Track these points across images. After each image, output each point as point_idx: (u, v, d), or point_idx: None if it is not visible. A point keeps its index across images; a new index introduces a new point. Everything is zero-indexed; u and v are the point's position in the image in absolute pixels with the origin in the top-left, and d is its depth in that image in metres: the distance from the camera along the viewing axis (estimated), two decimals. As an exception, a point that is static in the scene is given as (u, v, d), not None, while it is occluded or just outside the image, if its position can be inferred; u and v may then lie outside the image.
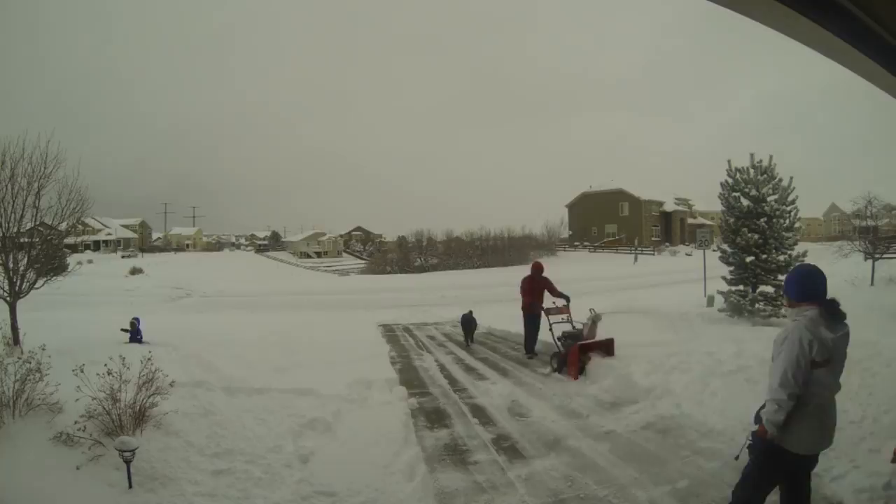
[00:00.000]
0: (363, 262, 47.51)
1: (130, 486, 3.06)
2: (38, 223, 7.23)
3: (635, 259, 36.57)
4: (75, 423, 3.30)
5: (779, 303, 9.12)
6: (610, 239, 47.82)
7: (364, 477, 3.49)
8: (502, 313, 12.32)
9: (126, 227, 59.99)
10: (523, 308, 7.69)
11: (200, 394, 4.54)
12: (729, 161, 9.85)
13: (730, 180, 9.80)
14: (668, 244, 46.75)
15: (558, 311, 7.08)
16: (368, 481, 3.43)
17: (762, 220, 9.25)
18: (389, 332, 11.34)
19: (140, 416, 3.61)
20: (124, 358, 3.76)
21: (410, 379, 6.58)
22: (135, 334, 8.04)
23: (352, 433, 4.35)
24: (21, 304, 6.92)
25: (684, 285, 18.30)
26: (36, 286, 7.06)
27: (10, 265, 6.76)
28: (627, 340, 6.83)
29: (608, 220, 49.68)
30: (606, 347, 6.47)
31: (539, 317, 7.37)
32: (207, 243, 71.31)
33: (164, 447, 3.48)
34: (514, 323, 11.02)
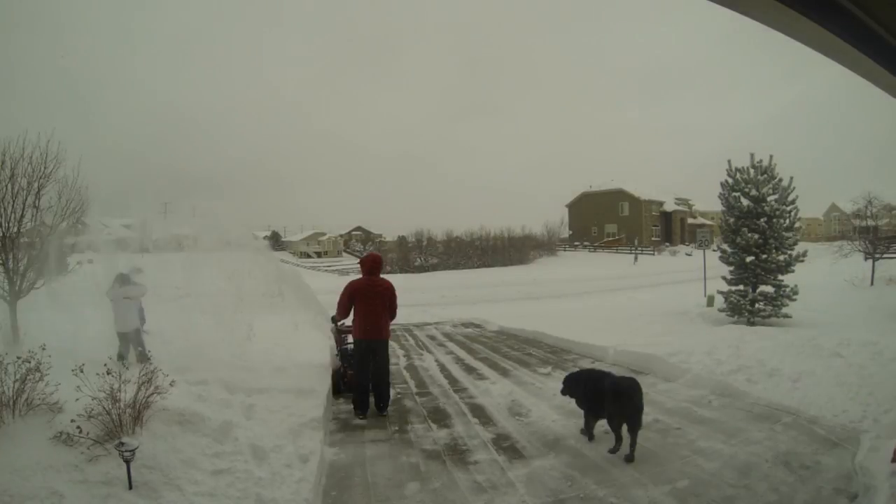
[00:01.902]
0: (363, 261, 47.42)
1: (130, 486, 3.06)
2: (38, 223, 7.22)
3: (635, 259, 36.57)
4: (72, 421, 3.29)
5: (779, 303, 9.12)
6: (610, 239, 47.82)
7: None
8: (506, 313, 12.38)
9: (126, 227, 59.99)
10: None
11: (200, 393, 4.54)
12: (729, 161, 9.86)
13: (730, 180, 9.80)
14: (668, 244, 46.75)
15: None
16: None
17: (762, 220, 9.25)
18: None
19: (140, 416, 3.61)
20: (124, 357, 3.76)
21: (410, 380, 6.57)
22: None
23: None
24: (21, 304, 6.91)
25: (684, 285, 18.31)
26: (36, 286, 7.04)
27: (10, 265, 6.75)
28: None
29: (608, 220, 49.69)
30: None
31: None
32: (207, 243, 71.15)
33: (164, 447, 3.48)
34: (517, 321, 11.03)
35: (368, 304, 5.13)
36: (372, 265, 5.36)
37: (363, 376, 5.06)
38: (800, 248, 9.77)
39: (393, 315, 5.29)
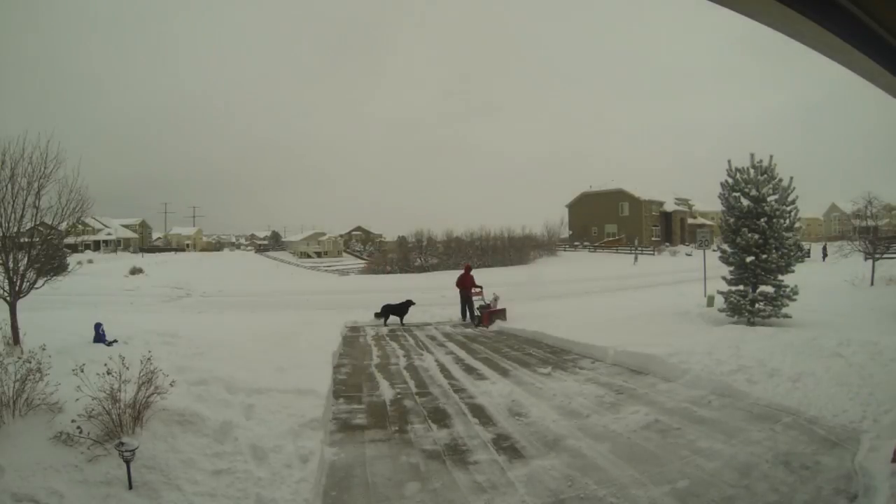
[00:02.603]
0: (363, 262, 47.44)
1: (130, 486, 3.06)
2: (38, 223, 7.21)
3: (635, 259, 36.55)
4: (72, 421, 3.29)
5: (779, 303, 9.11)
6: (610, 239, 47.83)
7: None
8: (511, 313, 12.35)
9: (126, 226, 60.02)
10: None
11: (200, 393, 4.54)
12: (729, 161, 9.83)
13: (730, 180, 9.78)
14: (668, 244, 46.74)
15: (477, 293, 12.59)
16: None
17: (762, 220, 9.23)
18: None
19: (140, 416, 3.61)
20: (124, 358, 3.76)
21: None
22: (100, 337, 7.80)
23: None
24: (21, 304, 6.91)
25: (684, 285, 18.29)
26: (36, 286, 7.04)
27: (10, 265, 6.74)
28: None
29: (608, 220, 49.70)
30: (503, 313, 12.03)
31: (470, 298, 12.51)
32: (207, 243, 71.35)
33: (164, 447, 3.48)
34: (519, 321, 11.03)
35: (464, 285, 12.64)
36: (466, 269, 13.12)
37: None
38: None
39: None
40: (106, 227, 55.42)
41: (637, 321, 9.70)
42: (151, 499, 3.02)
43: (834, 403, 4.45)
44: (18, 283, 6.80)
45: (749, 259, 9.34)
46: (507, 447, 4.07)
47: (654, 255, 40.49)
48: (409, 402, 5.51)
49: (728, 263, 9.82)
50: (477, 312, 12.02)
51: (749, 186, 9.42)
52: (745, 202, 9.46)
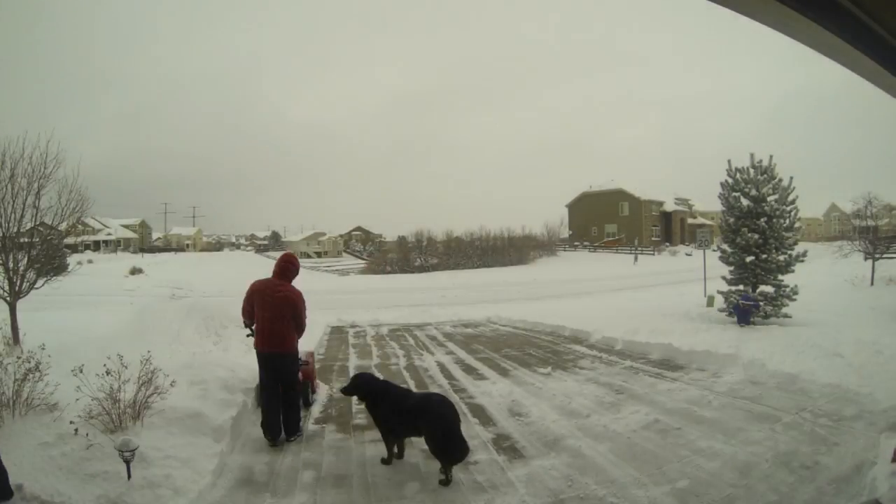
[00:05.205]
0: (363, 262, 47.43)
1: (130, 486, 3.06)
2: (38, 223, 7.20)
3: (635, 259, 36.58)
4: (71, 423, 3.29)
5: (779, 303, 9.12)
6: (610, 239, 47.84)
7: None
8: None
9: (126, 226, 60.06)
10: None
11: (201, 393, 4.54)
12: (729, 161, 9.84)
13: (730, 180, 9.79)
14: (668, 244, 46.74)
15: None
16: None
17: (762, 220, 9.24)
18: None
19: (140, 416, 3.61)
20: (122, 357, 3.77)
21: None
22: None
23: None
24: (21, 304, 6.91)
25: (684, 285, 18.30)
26: (36, 286, 7.04)
27: (10, 265, 6.74)
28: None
29: (608, 220, 49.70)
30: None
31: None
32: (207, 243, 71.37)
33: (164, 447, 3.48)
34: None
35: None
36: None
37: None
38: (800, 248, 9.77)
39: None
40: (106, 227, 55.45)
41: (636, 321, 9.69)
42: (151, 498, 3.02)
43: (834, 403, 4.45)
44: (18, 283, 6.80)
45: (749, 259, 9.35)
46: (507, 447, 4.06)
47: (654, 255, 40.50)
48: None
49: (728, 263, 9.83)
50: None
51: (749, 186, 9.43)
52: (744, 202, 9.47)
